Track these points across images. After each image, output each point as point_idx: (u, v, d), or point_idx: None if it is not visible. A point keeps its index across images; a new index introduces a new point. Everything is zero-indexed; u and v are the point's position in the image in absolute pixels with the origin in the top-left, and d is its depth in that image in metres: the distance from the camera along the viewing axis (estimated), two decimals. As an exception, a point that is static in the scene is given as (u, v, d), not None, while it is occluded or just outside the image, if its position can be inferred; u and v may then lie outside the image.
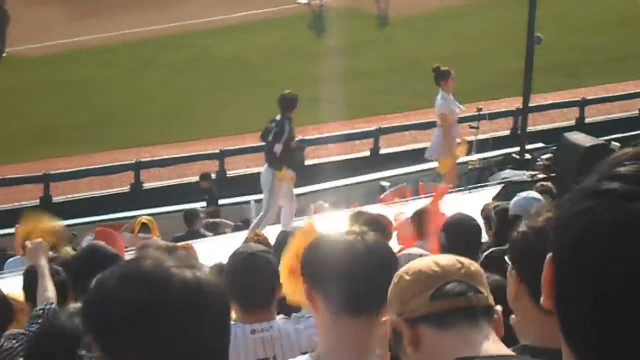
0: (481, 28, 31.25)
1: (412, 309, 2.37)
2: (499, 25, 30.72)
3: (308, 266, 2.82)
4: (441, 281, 2.27)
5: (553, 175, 14.96)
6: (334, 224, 9.23)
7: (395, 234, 8.26)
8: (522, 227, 2.82)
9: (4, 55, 30.12)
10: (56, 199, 20.42)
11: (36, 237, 5.33)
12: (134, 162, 21.39)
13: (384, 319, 2.75)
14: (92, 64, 29.10)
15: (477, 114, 17.75)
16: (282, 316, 4.19)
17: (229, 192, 19.13)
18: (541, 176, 14.97)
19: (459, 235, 5.66)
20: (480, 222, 7.53)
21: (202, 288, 1.90)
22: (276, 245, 7.12)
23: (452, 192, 14.30)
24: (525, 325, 2.69)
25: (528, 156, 18.17)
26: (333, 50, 29.10)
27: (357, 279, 2.64)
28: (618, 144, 16.05)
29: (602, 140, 16.29)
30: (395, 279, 2.49)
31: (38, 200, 20.35)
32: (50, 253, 6.04)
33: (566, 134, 16.28)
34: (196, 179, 19.81)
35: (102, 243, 6.99)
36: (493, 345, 2.14)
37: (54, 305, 4.32)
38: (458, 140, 14.95)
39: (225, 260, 4.54)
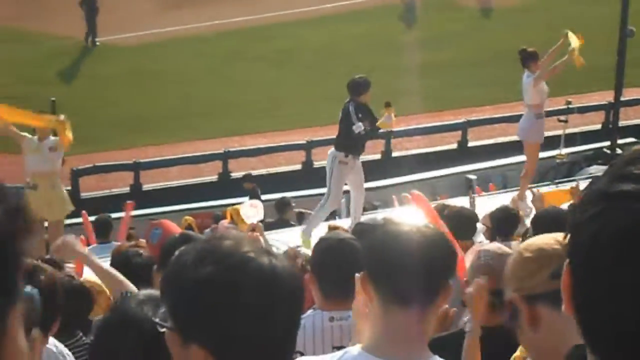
0: (572, 21, 30.73)
1: (531, 285, 2.34)
2: (590, 19, 30.19)
3: (364, 255, 2.83)
4: (563, 260, 2.25)
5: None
6: (416, 216, 9.21)
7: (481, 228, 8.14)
8: None
9: (97, 44, 30.69)
10: (146, 187, 20.74)
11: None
12: (222, 151, 21.61)
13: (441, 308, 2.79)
14: (183, 53, 29.47)
15: (566, 107, 17.50)
16: None
17: (315, 183, 19.19)
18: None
19: (546, 227, 5.59)
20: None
21: (276, 275, 1.91)
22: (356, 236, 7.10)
23: (537, 186, 14.14)
24: None
25: (619, 151, 17.86)
26: (423, 41, 28.99)
27: (410, 270, 2.63)
28: None
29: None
30: (514, 255, 2.47)
31: (128, 188, 20.71)
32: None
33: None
34: (283, 168, 19.92)
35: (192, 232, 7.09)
36: None
37: (131, 292, 4.34)
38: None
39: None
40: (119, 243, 8.69)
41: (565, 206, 7.55)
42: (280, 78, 27.69)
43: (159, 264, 5.79)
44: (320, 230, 10.77)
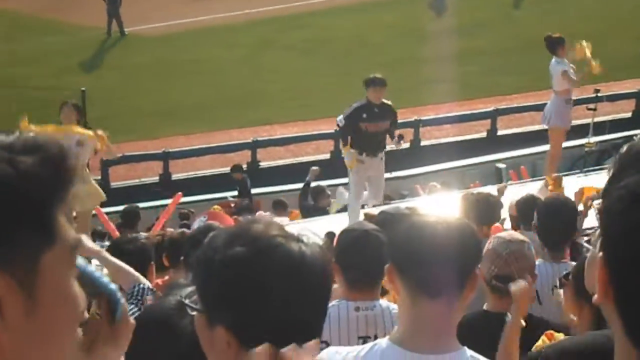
0: (603, 9, 30.54)
1: None
2: (621, 6, 30.00)
3: (390, 247, 2.84)
4: None
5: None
6: (444, 204, 9.20)
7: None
8: None
9: (126, 34, 30.81)
10: (175, 176, 20.83)
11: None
12: (250, 140, 21.65)
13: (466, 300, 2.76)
14: (212, 43, 29.54)
15: (594, 95, 17.37)
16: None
17: (343, 173, 19.21)
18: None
19: (551, 215, 5.58)
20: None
21: (304, 261, 1.92)
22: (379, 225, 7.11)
23: (566, 175, 14.07)
24: None
25: (649, 139, 17.71)
26: (452, 29, 28.88)
27: (436, 261, 2.63)
28: None
29: None
30: None
31: (157, 177, 20.82)
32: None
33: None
34: (311, 158, 19.91)
35: (216, 223, 7.13)
36: None
37: (145, 285, 4.34)
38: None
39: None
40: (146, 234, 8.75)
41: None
42: (310, 67, 27.69)
43: (185, 254, 5.85)
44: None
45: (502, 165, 18.62)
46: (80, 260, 2.02)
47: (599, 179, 13.90)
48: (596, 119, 17.22)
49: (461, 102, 24.08)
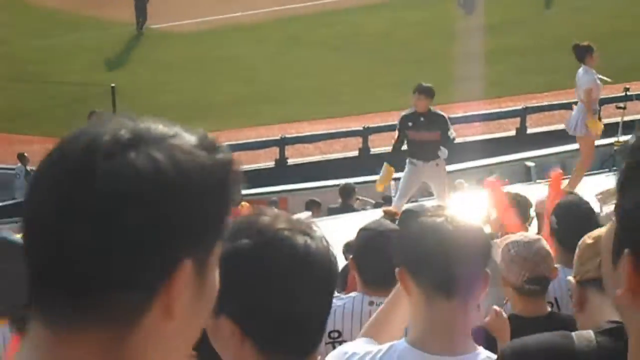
0: (634, 8, 30.33)
1: (585, 270, 2.42)
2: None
3: (400, 248, 2.84)
4: None
5: None
6: (471, 202, 9.17)
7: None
8: None
9: (143, 30, 30.94)
10: (204, 173, 20.88)
11: None
12: (278, 137, 21.70)
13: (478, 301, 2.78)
14: (241, 40, 29.61)
15: (624, 94, 17.30)
16: None
17: (371, 170, 19.20)
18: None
19: (568, 217, 5.53)
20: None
21: (309, 255, 1.93)
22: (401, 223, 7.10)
23: (596, 174, 14.00)
24: None
25: (679, 138, 17.57)
26: (482, 27, 28.80)
27: (448, 261, 2.64)
28: None
29: None
30: (580, 242, 2.51)
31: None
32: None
33: None
34: (339, 155, 19.92)
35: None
36: None
37: None
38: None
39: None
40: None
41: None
42: (339, 65, 27.71)
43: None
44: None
45: (531, 164, 18.55)
46: None
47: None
48: (626, 118, 17.14)
49: (490, 100, 24.02)
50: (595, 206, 7.15)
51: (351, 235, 4.59)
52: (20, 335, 2.26)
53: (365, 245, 4.18)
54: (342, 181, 16.84)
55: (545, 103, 23.63)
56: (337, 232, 8.18)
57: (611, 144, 16.85)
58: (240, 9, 31.76)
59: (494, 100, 24.15)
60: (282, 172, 19.79)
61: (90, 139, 1.21)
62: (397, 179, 14.31)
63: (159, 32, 30.89)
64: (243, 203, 13.94)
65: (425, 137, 12.38)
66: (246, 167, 21.10)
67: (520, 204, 7.02)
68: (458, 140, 22.02)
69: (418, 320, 2.76)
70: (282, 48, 29.40)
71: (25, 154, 21.60)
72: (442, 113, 12.73)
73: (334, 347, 3.41)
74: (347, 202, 15.84)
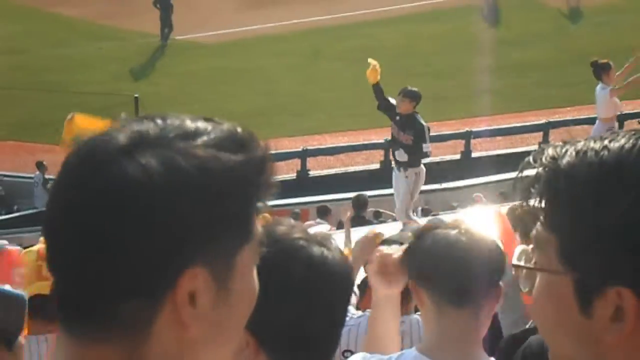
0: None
1: None
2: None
3: (412, 260, 2.86)
4: None
5: None
6: (486, 217, 9.10)
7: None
8: None
9: (168, 41, 31.05)
10: (225, 184, 20.92)
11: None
12: (300, 149, 21.71)
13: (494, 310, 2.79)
14: (264, 52, 29.67)
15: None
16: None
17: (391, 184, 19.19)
18: None
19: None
20: None
21: (325, 265, 1.93)
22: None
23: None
24: None
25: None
26: (505, 41, 28.75)
27: (458, 271, 2.67)
28: None
29: None
30: None
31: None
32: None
33: None
34: (360, 167, 19.85)
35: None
36: None
37: None
38: None
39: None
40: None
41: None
42: (360, 77, 27.57)
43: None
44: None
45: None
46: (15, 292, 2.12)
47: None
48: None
49: (513, 114, 23.95)
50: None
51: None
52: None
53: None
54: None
55: (568, 118, 23.54)
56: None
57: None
58: (263, 21, 31.83)
59: (516, 115, 24.07)
60: (303, 184, 19.76)
61: (89, 148, 1.20)
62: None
63: (182, 43, 31.00)
64: (264, 214, 13.94)
65: (397, 135, 12.52)
66: (268, 178, 21.22)
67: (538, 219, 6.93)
68: (480, 154, 22.09)
69: (429, 330, 2.79)
70: (304, 60, 29.44)
71: (44, 162, 21.70)
72: (423, 123, 12.73)
73: None
74: (360, 214, 15.77)
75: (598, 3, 32.15)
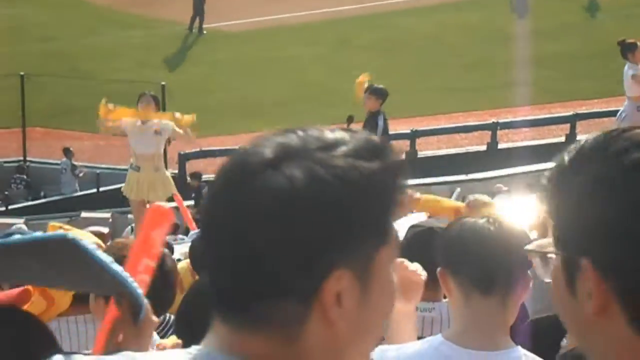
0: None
1: None
2: None
3: (441, 248, 2.89)
4: None
5: None
6: (515, 208, 9.07)
7: None
8: None
9: (205, 33, 31.08)
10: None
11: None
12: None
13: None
14: (293, 41, 29.67)
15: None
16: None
17: (418, 173, 19.15)
18: None
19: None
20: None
21: None
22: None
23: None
24: None
25: None
26: (534, 32, 28.59)
27: (487, 258, 2.69)
28: None
29: None
30: None
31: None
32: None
33: None
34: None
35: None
36: None
37: None
38: None
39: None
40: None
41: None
42: (387, 67, 27.64)
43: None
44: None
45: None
46: (105, 257, 2.11)
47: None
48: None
49: (540, 106, 23.84)
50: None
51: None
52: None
53: (414, 242, 4.12)
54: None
55: (596, 110, 23.40)
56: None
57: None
58: (291, 9, 31.81)
59: (543, 106, 23.96)
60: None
61: (239, 161, 1.33)
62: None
63: (210, 31, 31.03)
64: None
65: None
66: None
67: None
68: (507, 145, 22.00)
69: (456, 317, 2.83)
70: (332, 49, 29.41)
71: (71, 149, 21.82)
72: (381, 123, 12.71)
73: None
74: None
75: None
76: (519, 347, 2.76)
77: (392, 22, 30.90)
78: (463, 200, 13.38)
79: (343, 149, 1.31)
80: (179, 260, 6.75)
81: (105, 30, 30.54)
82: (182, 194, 12.76)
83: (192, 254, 6.52)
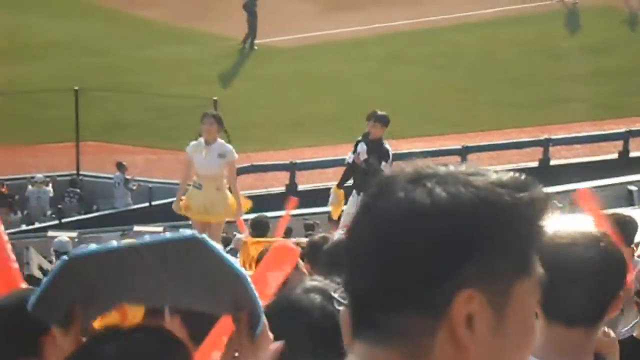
0: None
1: None
2: None
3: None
4: None
5: None
6: (570, 225, 9.00)
7: None
8: None
9: (255, 47, 31.20)
10: (301, 187, 20.98)
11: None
12: (377, 154, 21.64)
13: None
14: (342, 56, 29.70)
15: None
16: None
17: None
18: None
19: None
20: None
21: None
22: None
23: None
24: None
25: None
26: (585, 48, 28.40)
27: (579, 288, 2.44)
28: None
29: None
30: None
31: (284, 187, 21.01)
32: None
33: None
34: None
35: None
36: None
37: None
38: None
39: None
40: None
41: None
42: (437, 83, 27.58)
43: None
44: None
45: (634, 188, 18.19)
46: (232, 259, 2.06)
47: None
48: None
49: (593, 122, 23.64)
50: None
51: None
52: None
53: None
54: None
55: (649, 126, 23.17)
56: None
57: None
58: (340, 25, 31.87)
59: (596, 123, 23.75)
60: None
61: (386, 179, 1.35)
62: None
63: (262, 47, 31.16)
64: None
65: (357, 160, 12.47)
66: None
67: (626, 226, 6.82)
68: (558, 162, 21.80)
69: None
70: (381, 65, 29.40)
71: (124, 163, 21.98)
72: (388, 146, 12.67)
73: None
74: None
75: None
76: None
77: (441, 37, 30.84)
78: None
79: (488, 176, 1.33)
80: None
81: (159, 45, 30.79)
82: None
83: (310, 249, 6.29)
